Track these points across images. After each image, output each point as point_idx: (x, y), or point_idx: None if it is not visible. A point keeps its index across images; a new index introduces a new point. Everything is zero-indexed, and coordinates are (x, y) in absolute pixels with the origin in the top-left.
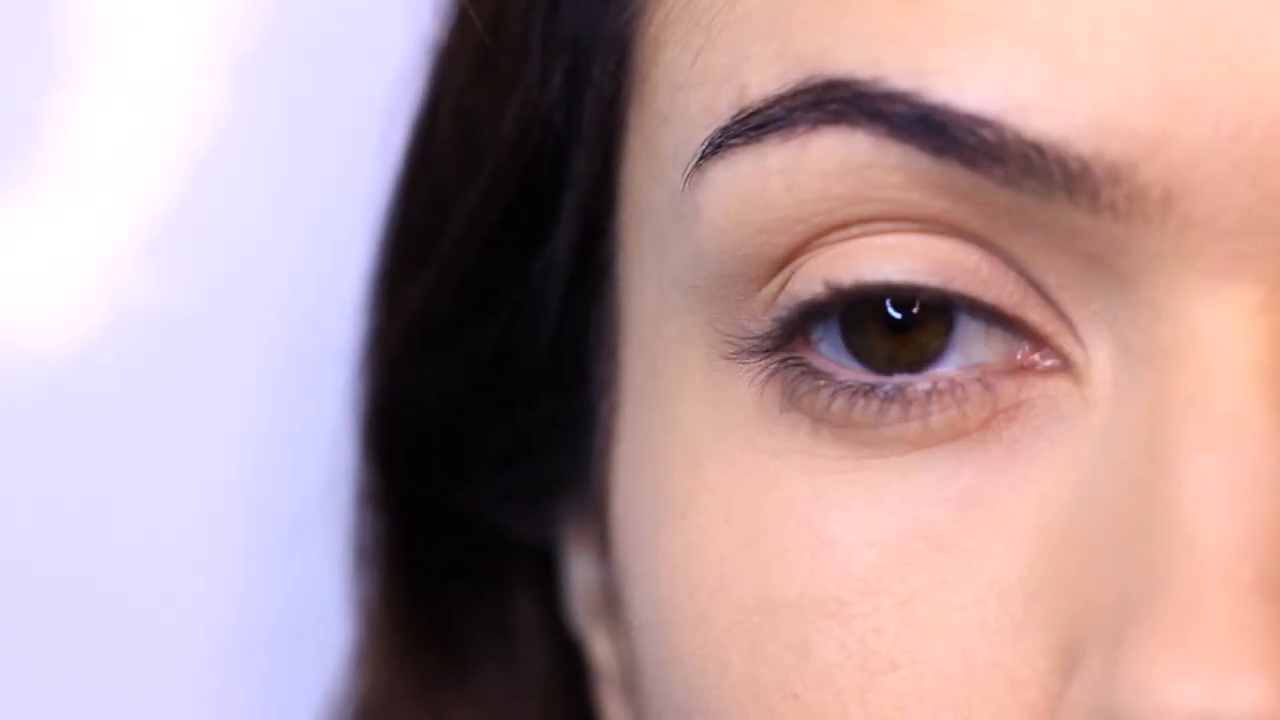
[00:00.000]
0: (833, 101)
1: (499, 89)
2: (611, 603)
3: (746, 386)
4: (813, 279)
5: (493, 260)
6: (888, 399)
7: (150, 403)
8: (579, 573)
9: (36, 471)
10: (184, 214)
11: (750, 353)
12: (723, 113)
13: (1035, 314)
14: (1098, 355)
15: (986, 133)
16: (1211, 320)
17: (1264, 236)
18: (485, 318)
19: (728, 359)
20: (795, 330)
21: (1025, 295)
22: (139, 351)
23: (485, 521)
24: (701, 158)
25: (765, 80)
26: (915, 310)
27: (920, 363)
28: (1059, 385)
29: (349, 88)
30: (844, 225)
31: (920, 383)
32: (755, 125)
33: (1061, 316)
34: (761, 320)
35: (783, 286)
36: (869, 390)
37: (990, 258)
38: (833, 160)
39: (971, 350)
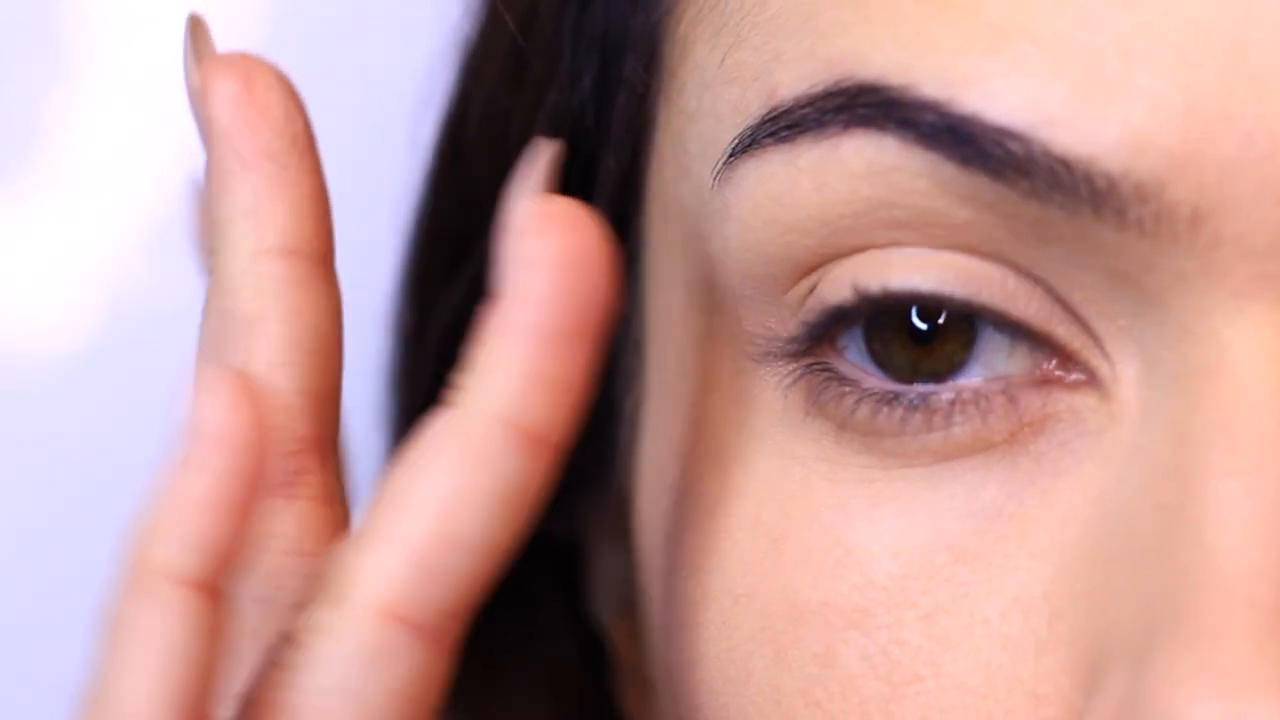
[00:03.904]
0: (863, 106)
1: (531, 88)
2: (633, 599)
3: (773, 390)
4: (842, 284)
5: None
6: (911, 407)
7: (150, 403)
8: (604, 566)
9: (36, 472)
10: (184, 214)
11: (777, 356)
12: (753, 112)
13: (1061, 329)
14: (1124, 371)
15: (1014, 145)
16: (1239, 340)
17: None
18: None
19: (754, 361)
20: (822, 335)
21: (1051, 310)
22: (139, 351)
23: None
24: (732, 155)
25: (795, 80)
26: (940, 321)
27: (943, 373)
28: (1085, 400)
29: (351, 88)
30: (869, 231)
31: (944, 392)
32: (787, 125)
33: (1088, 332)
34: (789, 324)
35: (811, 290)
36: (893, 398)
37: (1016, 273)
38: (861, 161)
39: (995, 362)
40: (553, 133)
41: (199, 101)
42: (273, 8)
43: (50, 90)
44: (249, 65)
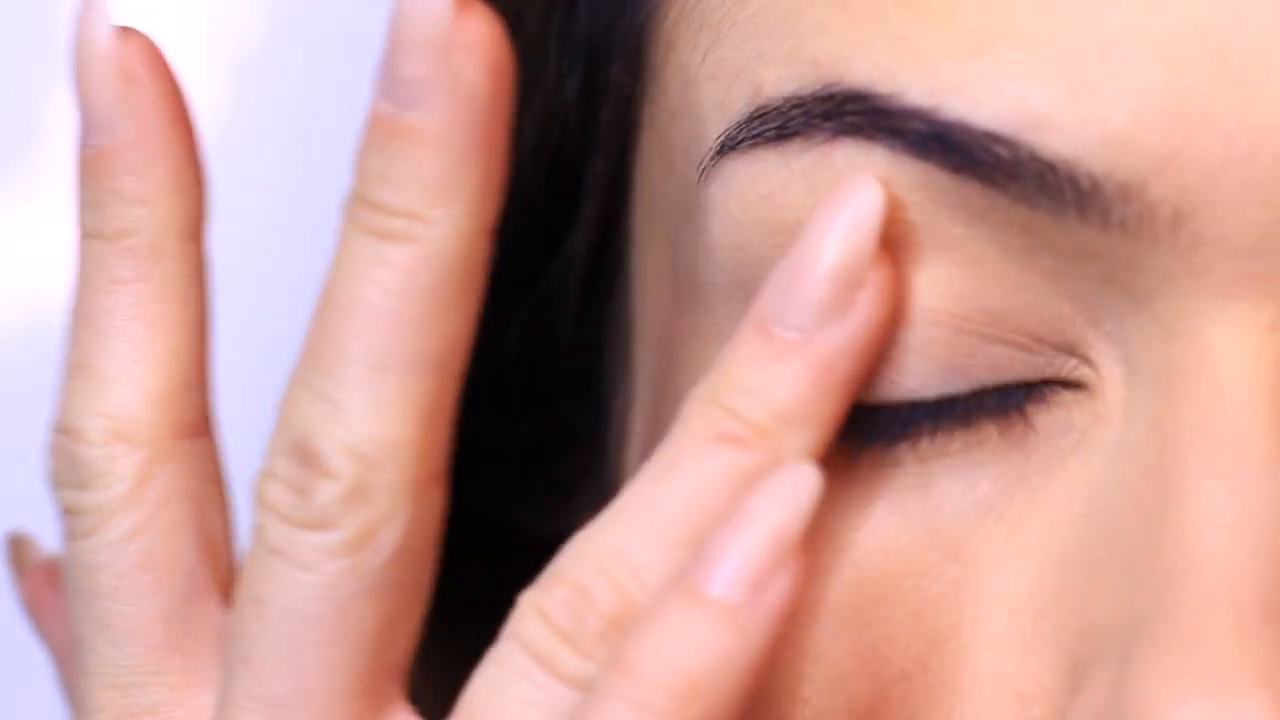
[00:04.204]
0: (851, 114)
1: (517, 92)
2: None
3: None
4: None
5: (513, 261)
6: (901, 407)
7: None
8: None
9: (35, 471)
10: None
11: None
12: (738, 109)
13: (1051, 338)
14: (1110, 372)
15: (1001, 150)
16: (1222, 340)
17: (1275, 257)
18: (507, 318)
19: None
20: None
21: (1040, 321)
22: None
23: (501, 519)
24: (719, 152)
25: (781, 80)
26: None
27: None
28: (1073, 400)
29: (352, 88)
30: None
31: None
32: (776, 126)
33: (1075, 339)
34: None
35: None
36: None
37: (1006, 290)
38: (853, 171)
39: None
40: (539, 136)
41: None
42: (268, 12)
43: (50, 90)
44: None
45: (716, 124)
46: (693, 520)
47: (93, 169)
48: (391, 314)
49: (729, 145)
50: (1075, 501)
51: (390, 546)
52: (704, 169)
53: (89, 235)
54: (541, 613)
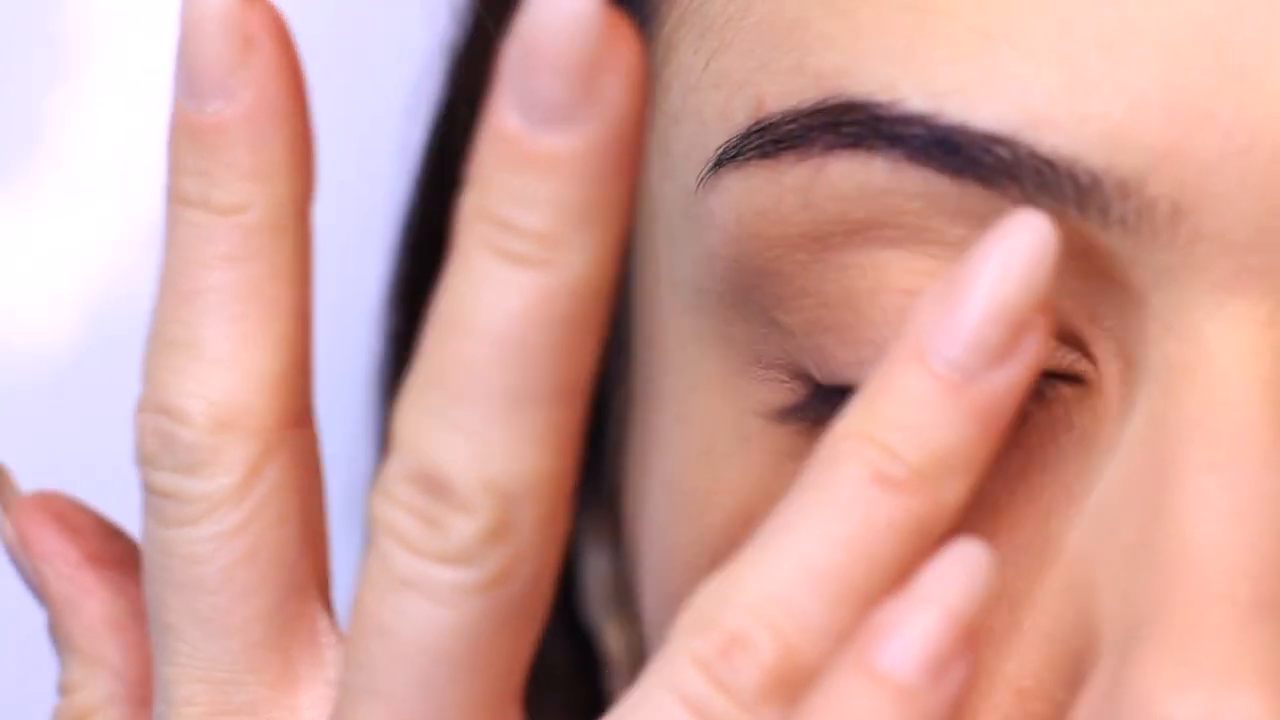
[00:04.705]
0: (850, 124)
1: None
2: (623, 595)
3: (765, 394)
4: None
5: None
6: None
7: None
8: (594, 565)
9: (35, 472)
10: None
11: (767, 364)
12: (739, 121)
13: (1052, 334)
14: (1109, 369)
15: (1001, 150)
16: (1219, 335)
17: (1273, 252)
18: None
19: (744, 363)
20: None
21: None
22: (139, 351)
23: None
24: (716, 164)
25: (783, 93)
26: None
27: None
28: (1072, 396)
29: (352, 89)
30: (860, 250)
31: None
32: (772, 140)
33: (1074, 335)
34: (778, 335)
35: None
36: None
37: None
38: (851, 184)
39: None
40: None
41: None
42: None
43: (50, 90)
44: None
45: (717, 135)
46: (858, 571)
47: (202, 136)
48: (532, 344)
49: (726, 158)
50: (1073, 498)
51: (527, 580)
52: (702, 179)
53: (190, 204)
54: (699, 662)
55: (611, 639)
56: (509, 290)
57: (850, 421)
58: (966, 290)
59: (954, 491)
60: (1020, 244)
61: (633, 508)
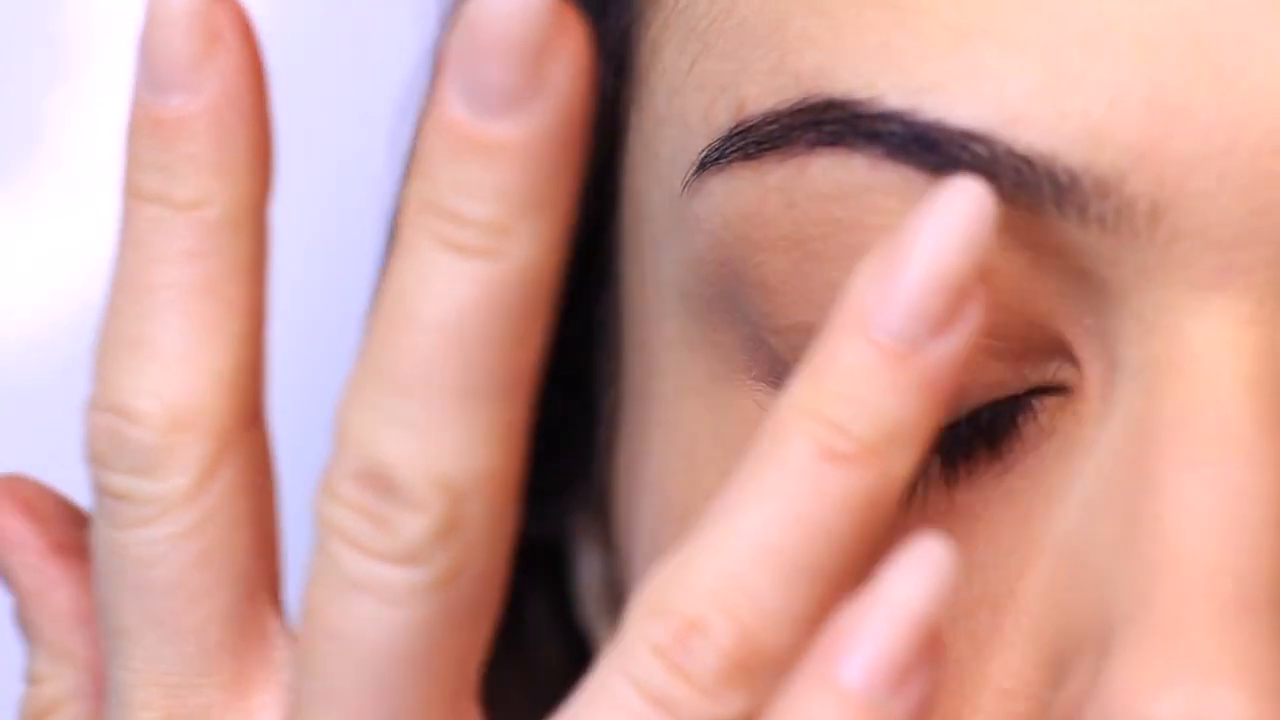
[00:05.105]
0: (830, 123)
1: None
2: (615, 597)
3: (748, 401)
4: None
5: None
6: None
7: None
8: (586, 568)
9: (34, 472)
10: None
11: (754, 375)
12: (721, 124)
13: (1033, 336)
14: (1090, 370)
15: (979, 148)
16: (1200, 333)
17: (1252, 249)
18: None
19: (731, 370)
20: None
21: (1020, 321)
22: None
23: None
24: (700, 168)
25: (764, 94)
26: None
27: None
28: (1052, 400)
29: (350, 89)
30: (842, 256)
31: None
32: (755, 141)
33: (1055, 337)
34: (765, 344)
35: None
36: None
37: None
38: (830, 183)
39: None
40: None
41: None
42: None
43: (50, 90)
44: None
45: (701, 137)
46: (812, 549)
47: (163, 130)
48: (480, 336)
49: (709, 161)
50: (1055, 501)
51: (478, 577)
52: (687, 183)
53: (148, 199)
54: (656, 650)
55: (604, 640)
56: (456, 281)
57: (795, 396)
58: (905, 259)
59: (903, 463)
60: (957, 210)
61: (622, 510)
